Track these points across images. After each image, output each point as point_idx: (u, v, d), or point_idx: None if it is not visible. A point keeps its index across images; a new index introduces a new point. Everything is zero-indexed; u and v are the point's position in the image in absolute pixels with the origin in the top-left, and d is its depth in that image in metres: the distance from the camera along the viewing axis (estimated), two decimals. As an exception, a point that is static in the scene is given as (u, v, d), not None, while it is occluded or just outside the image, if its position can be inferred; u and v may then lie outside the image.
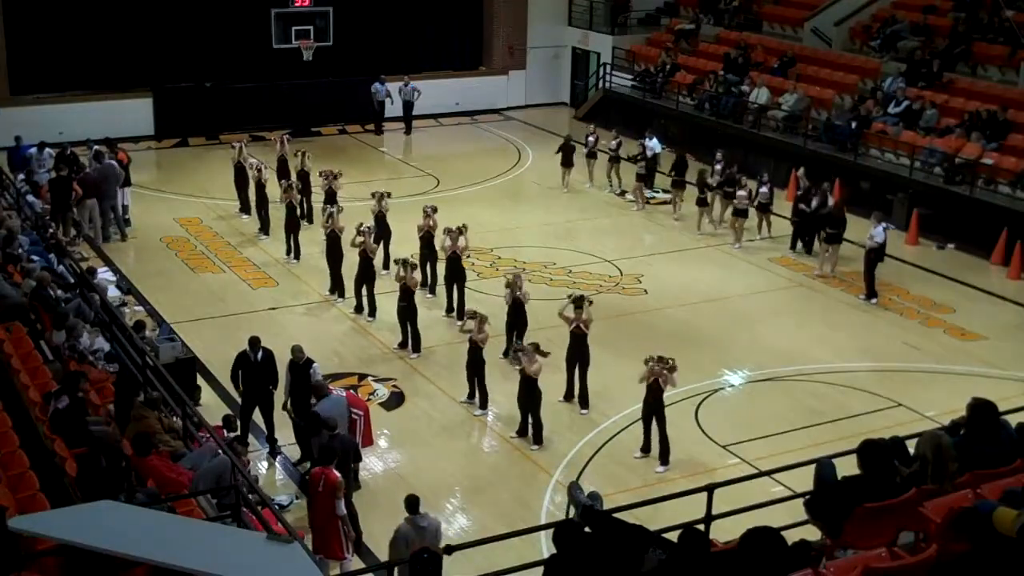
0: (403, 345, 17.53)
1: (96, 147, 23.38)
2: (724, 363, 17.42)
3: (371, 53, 32.35)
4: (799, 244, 22.58)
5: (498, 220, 24.10)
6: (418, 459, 14.74)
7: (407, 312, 17.35)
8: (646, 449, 14.46)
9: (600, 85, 33.51)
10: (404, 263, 17.27)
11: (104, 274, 19.69)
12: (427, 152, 30.17)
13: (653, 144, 26.00)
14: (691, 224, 23.93)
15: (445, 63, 34.30)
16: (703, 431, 14.94)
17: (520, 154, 30.10)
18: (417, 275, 17.90)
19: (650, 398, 14.18)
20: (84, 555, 7.65)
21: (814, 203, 21.92)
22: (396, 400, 16.14)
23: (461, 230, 18.39)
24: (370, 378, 16.64)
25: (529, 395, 14.66)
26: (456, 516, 13.39)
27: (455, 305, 18.59)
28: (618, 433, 15.24)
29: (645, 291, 20.43)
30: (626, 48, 33.26)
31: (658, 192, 25.97)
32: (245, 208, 23.79)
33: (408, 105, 31.23)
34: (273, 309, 19.31)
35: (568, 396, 15.89)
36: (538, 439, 14.80)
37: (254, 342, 14.40)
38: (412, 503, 10.65)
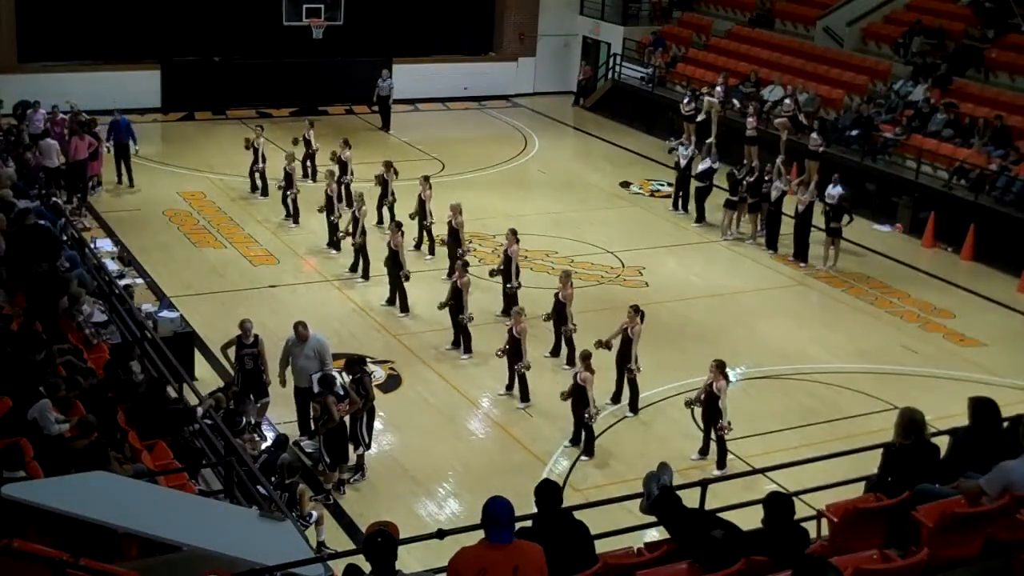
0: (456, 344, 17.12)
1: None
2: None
3: (382, 34, 32.26)
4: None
5: (501, 206, 24.05)
6: (412, 442, 14.76)
7: (454, 309, 16.97)
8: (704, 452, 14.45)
9: (609, 76, 33.44)
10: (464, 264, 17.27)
11: (104, 244, 19.67)
12: (433, 136, 30.08)
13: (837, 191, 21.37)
14: (692, 220, 23.94)
15: (455, 47, 34.21)
16: (698, 426, 14.92)
17: (526, 141, 30.04)
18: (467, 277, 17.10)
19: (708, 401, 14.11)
20: (76, 525, 7.65)
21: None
22: (393, 383, 16.14)
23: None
24: (367, 359, 16.63)
25: (578, 401, 14.21)
26: (448, 500, 13.42)
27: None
28: (615, 424, 15.25)
29: (646, 283, 20.40)
30: (636, 39, 33.20)
31: (663, 184, 25.90)
32: (262, 190, 23.69)
33: (384, 99, 29.84)
34: (273, 287, 19.31)
35: (616, 398, 15.63)
36: (586, 447, 14.34)
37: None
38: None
